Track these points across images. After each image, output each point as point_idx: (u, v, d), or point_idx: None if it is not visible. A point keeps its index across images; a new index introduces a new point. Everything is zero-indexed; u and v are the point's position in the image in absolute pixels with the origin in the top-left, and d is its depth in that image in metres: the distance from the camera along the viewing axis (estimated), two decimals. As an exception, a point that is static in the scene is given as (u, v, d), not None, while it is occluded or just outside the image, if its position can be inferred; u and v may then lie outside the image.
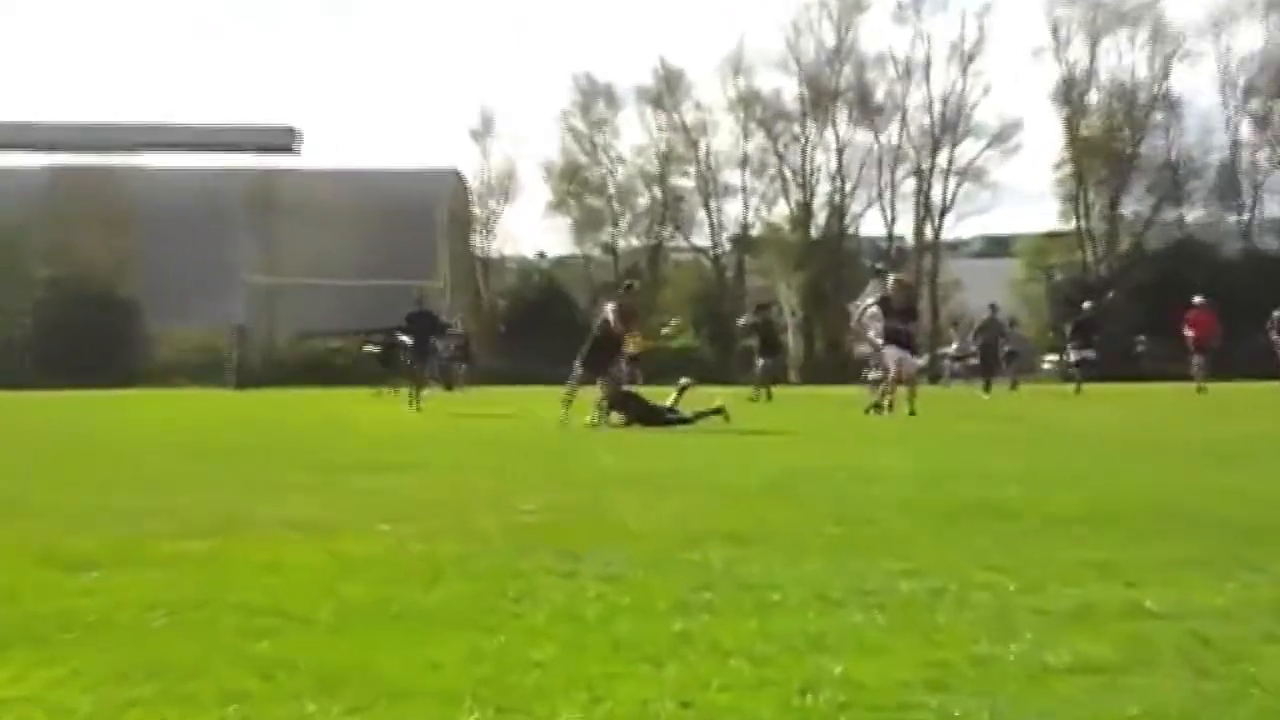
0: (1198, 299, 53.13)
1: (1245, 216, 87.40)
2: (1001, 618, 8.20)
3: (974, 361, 56.90)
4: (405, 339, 44.43)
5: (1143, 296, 77.77)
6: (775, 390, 52.96)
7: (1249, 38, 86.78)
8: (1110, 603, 8.59)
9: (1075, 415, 34.38)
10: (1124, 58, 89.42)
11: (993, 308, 57.24)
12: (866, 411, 35.00)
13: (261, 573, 9.96)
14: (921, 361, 34.79)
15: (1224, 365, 54.55)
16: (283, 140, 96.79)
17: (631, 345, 32.98)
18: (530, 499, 14.68)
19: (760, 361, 52.30)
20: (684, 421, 30.50)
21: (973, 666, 6.96)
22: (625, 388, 32.43)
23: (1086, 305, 55.93)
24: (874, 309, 35.60)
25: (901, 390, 34.35)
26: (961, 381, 61.62)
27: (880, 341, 35.08)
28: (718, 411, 31.41)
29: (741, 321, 59.49)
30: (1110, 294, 74.69)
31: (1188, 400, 45.80)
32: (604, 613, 8.37)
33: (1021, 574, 9.60)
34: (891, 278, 37.68)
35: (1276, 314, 48.51)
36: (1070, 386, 53.31)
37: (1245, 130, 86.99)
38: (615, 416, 30.98)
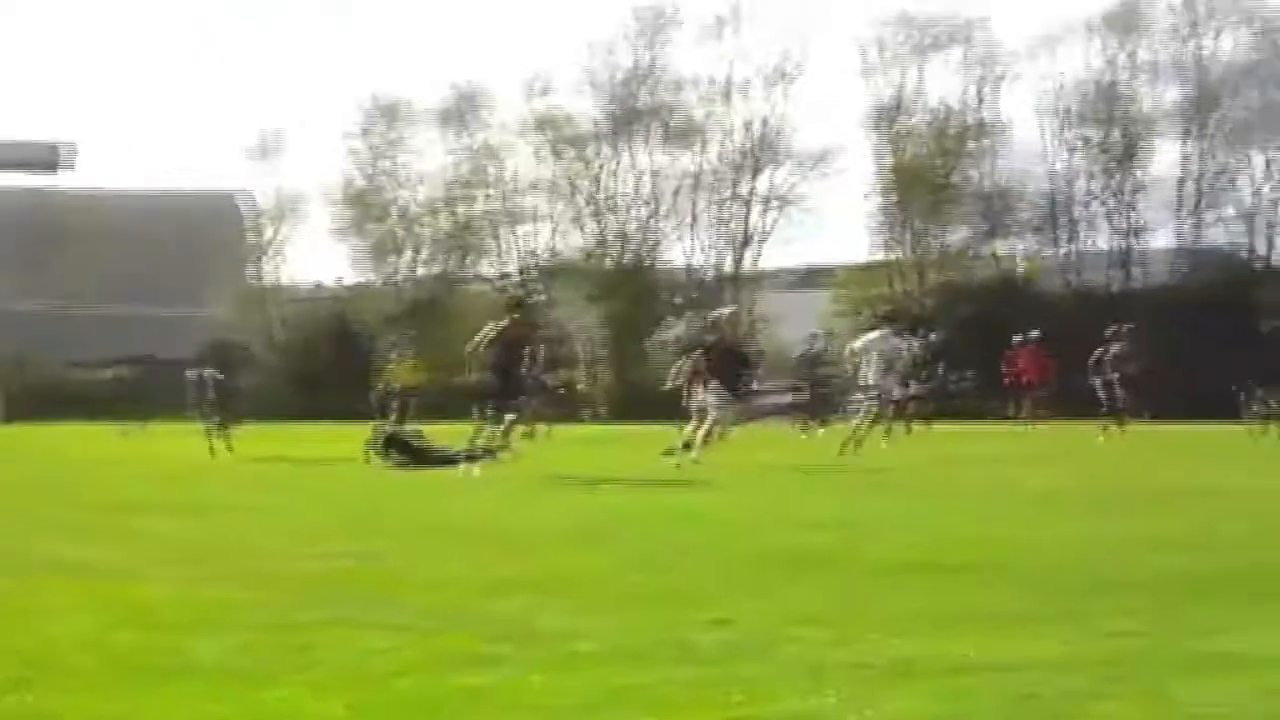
0: (1017, 337, 53.12)
1: (1067, 250, 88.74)
2: (814, 672, 8.24)
3: (792, 399, 56.40)
4: (199, 374, 42.68)
5: (963, 331, 78.43)
6: (567, 429, 52.93)
7: (1074, 62, 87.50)
8: (931, 656, 8.66)
9: (900, 458, 34.39)
10: (943, 82, 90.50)
11: (813, 338, 57.23)
12: (667, 452, 34.78)
13: (25, 618, 9.85)
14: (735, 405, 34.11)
15: (1048, 404, 54.88)
16: (46, 158, 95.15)
17: (405, 377, 32.52)
18: (319, 545, 14.63)
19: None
20: (451, 461, 30.25)
21: (780, 723, 7.00)
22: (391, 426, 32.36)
23: (911, 340, 55.66)
24: (698, 355, 34.79)
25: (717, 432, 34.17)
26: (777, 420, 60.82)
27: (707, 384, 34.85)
28: (491, 452, 31.17)
29: None
30: (934, 330, 75.46)
31: (1015, 441, 46.02)
32: (392, 667, 8.34)
33: (837, 625, 9.68)
34: (716, 314, 36.94)
35: (1099, 353, 48.59)
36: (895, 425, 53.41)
37: (1069, 159, 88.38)
38: (391, 456, 30.81)
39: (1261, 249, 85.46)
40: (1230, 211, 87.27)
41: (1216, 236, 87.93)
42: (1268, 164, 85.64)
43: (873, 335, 38.82)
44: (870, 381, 36.13)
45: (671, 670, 8.29)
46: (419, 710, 7.26)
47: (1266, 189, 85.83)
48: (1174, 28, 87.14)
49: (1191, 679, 8.06)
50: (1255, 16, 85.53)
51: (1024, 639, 9.23)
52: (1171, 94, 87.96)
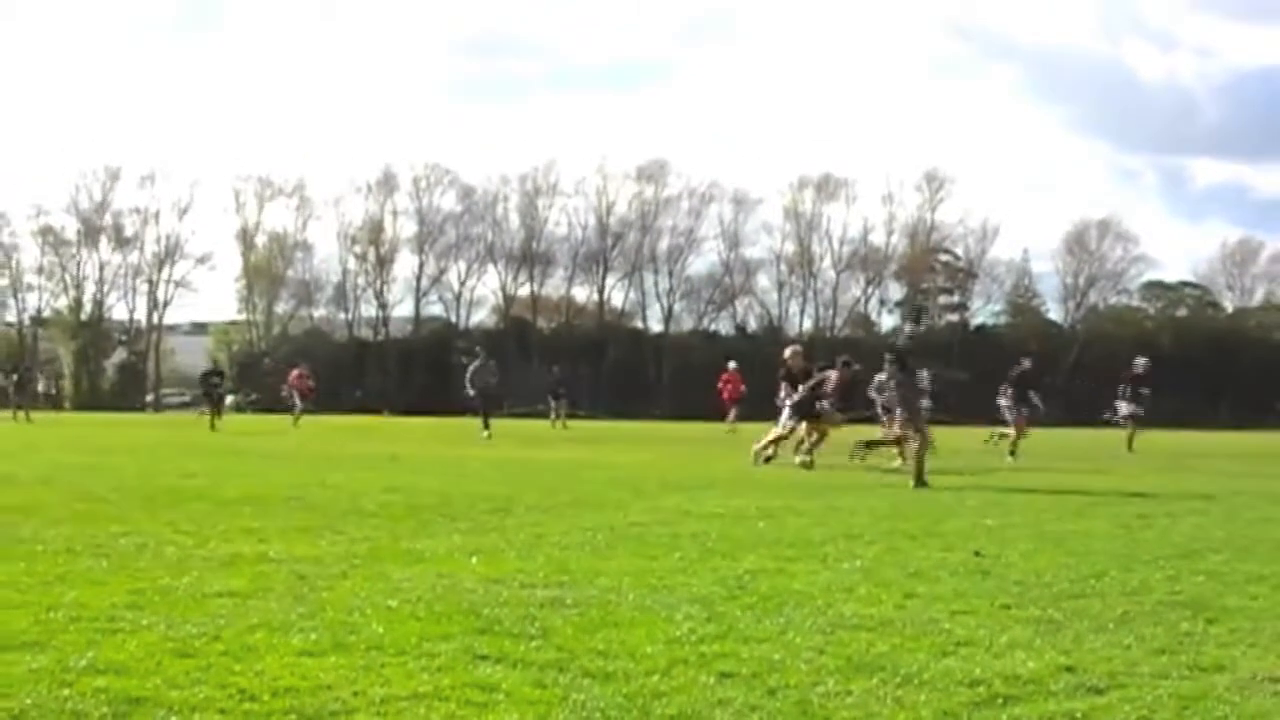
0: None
1: (351, 315, 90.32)
2: (180, 562, 8.10)
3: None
4: None
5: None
6: (53, 415, 50.34)
7: (358, 209, 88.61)
8: (249, 553, 8.58)
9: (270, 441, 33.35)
10: (280, 216, 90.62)
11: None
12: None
13: None
14: None
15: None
16: None
17: None
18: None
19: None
20: None
21: (158, 594, 6.86)
22: None
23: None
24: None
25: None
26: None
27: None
28: None
29: None
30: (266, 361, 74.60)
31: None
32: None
33: (197, 534, 9.50)
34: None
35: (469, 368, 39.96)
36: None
37: (352, 262, 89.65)
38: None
39: (462, 319, 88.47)
40: (446, 296, 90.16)
41: (436, 310, 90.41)
42: (467, 270, 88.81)
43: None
44: None
45: (95, 562, 8.02)
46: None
47: (465, 286, 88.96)
48: (415, 189, 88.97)
49: (400, 566, 8.19)
50: (455, 181, 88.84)
51: (303, 543, 9.20)
52: (411, 228, 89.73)
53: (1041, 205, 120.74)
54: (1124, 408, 30.10)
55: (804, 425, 21.96)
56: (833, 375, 21.96)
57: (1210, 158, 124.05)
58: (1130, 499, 14.93)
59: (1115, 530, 11.23)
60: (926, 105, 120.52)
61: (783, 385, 22.76)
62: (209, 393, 39.78)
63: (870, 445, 18.90)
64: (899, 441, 18.33)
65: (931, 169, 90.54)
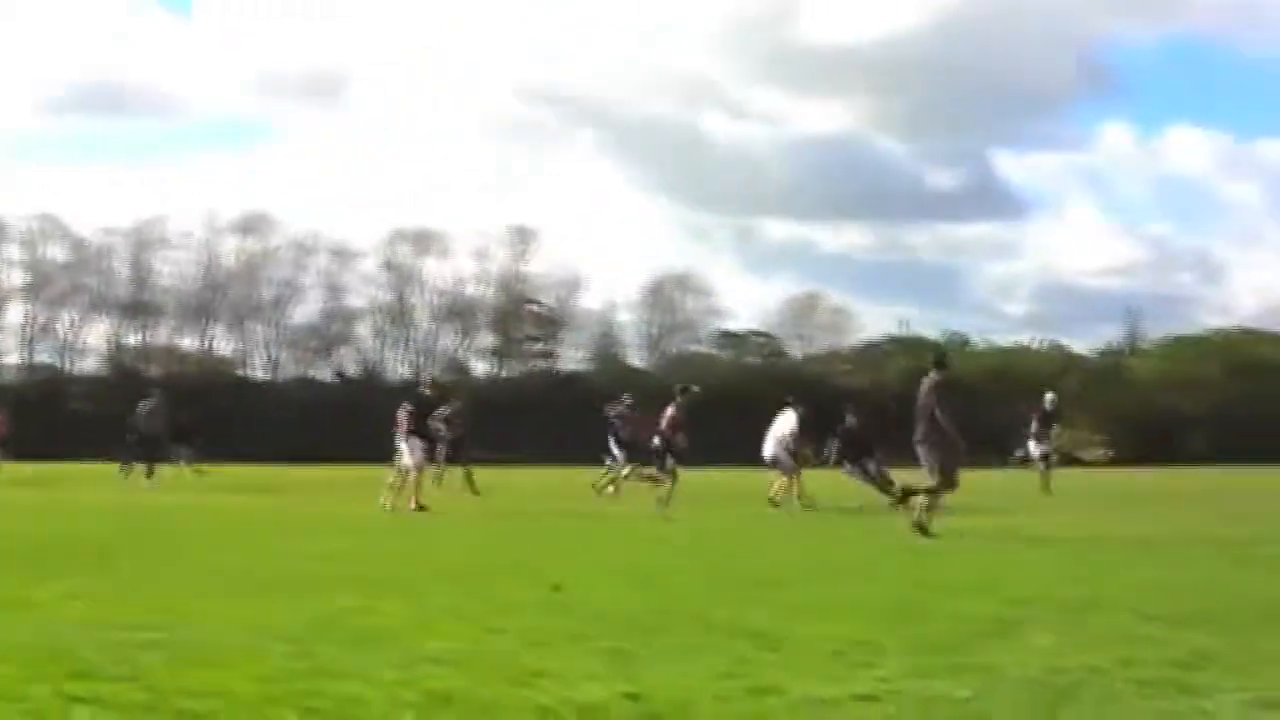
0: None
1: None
2: None
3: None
4: None
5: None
6: None
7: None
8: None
9: None
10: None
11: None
12: None
13: None
14: None
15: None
16: None
17: None
18: None
19: None
20: None
21: None
22: None
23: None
24: None
25: None
26: None
27: None
28: None
29: None
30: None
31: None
32: None
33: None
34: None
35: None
36: None
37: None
38: None
39: (72, 367, 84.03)
40: (56, 344, 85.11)
41: (46, 358, 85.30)
42: (79, 319, 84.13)
43: None
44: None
45: None
46: None
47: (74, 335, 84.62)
48: (26, 240, 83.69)
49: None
50: (66, 233, 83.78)
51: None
52: (21, 278, 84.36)
53: (623, 259, 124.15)
54: (1034, 448, 28.78)
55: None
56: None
57: (777, 218, 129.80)
58: (713, 534, 15.43)
59: (694, 563, 11.64)
60: (514, 164, 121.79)
61: (408, 418, 21.41)
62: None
63: (912, 492, 15.52)
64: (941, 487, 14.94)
65: (519, 225, 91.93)
